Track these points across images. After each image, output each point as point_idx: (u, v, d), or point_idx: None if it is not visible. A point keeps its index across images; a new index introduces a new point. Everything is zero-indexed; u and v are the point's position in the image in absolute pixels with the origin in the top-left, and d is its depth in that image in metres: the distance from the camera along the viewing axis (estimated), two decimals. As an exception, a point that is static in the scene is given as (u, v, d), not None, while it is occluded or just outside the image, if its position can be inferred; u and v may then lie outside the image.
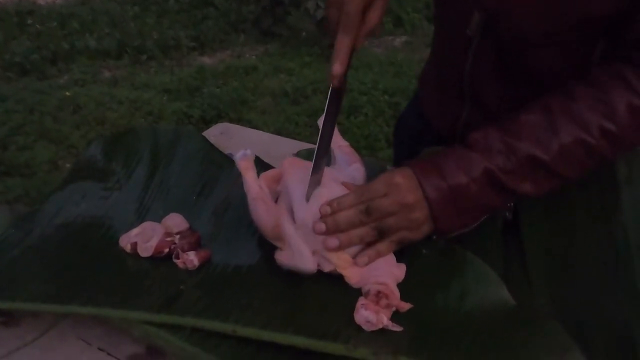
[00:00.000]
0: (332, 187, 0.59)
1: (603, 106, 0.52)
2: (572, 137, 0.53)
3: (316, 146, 0.60)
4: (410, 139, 0.93)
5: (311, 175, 0.59)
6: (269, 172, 0.64)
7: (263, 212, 0.59)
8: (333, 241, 0.54)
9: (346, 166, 0.63)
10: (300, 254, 0.55)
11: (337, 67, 0.56)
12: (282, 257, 0.57)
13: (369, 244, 0.57)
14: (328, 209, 0.55)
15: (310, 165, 0.60)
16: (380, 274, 0.55)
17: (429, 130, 0.85)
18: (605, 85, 0.53)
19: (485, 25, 0.64)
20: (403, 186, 0.55)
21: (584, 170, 0.55)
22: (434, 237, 0.59)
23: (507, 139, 0.54)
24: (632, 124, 0.52)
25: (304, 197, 0.59)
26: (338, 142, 0.65)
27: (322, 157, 0.60)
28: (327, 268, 0.57)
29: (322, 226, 0.55)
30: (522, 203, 0.64)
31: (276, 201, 0.63)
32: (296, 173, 0.61)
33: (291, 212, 0.59)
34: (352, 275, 0.56)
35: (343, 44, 0.56)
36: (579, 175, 0.56)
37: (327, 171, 0.62)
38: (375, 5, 0.57)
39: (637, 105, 0.52)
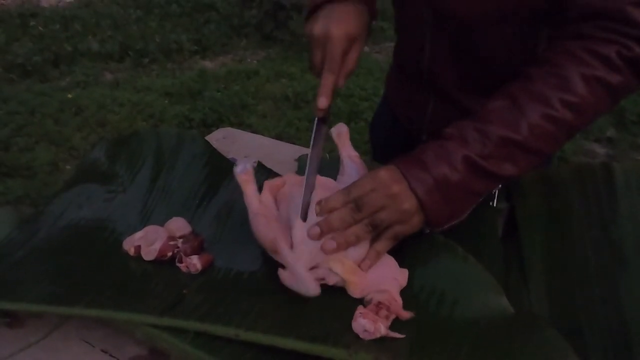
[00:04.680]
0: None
1: (558, 80, 0.56)
2: (538, 113, 0.55)
3: (305, 174, 0.61)
4: (384, 138, 1.00)
5: (302, 201, 0.59)
6: (274, 181, 0.64)
7: (263, 227, 0.58)
8: (330, 243, 0.55)
9: (355, 176, 0.64)
10: (302, 280, 0.55)
11: (323, 101, 0.62)
12: (286, 279, 0.56)
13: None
14: (318, 209, 0.56)
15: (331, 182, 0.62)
16: (383, 282, 0.56)
17: (399, 127, 0.91)
18: (555, 62, 0.57)
19: (435, 19, 0.70)
20: (388, 179, 0.56)
21: (557, 143, 0.58)
22: (427, 230, 0.59)
23: (479, 126, 0.56)
24: (589, 92, 0.55)
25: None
26: (349, 152, 0.65)
27: (311, 183, 0.61)
28: (331, 281, 0.57)
29: (316, 229, 0.55)
30: (521, 211, 0.65)
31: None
32: (294, 192, 0.61)
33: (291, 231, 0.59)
34: (359, 282, 0.56)
35: (328, 80, 0.62)
36: (554, 150, 0.59)
37: (323, 180, 0.63)
38: (352, 50, 0.64)
39: (588, 74, 0.55)
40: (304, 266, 0.55)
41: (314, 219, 0.57)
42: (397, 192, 0.56)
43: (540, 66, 0.58)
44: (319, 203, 0.57)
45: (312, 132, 0.64)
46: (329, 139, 0.67)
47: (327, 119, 0.65)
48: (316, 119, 0.64)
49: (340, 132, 0.65)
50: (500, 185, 0.65)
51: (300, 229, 0.57)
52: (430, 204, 0.56)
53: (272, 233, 0.57)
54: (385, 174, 0.57)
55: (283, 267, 0.57)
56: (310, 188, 0.60)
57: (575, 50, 0.56)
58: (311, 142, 0.64)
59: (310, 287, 0.55)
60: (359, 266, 0.57)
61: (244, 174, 0.60)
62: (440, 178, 0.55)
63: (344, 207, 0.56)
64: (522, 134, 0.55)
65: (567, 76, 0.55)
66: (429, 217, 0.57)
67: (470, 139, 0.56)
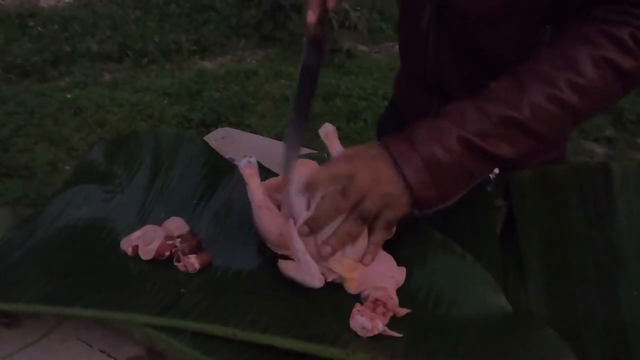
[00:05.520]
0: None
1: (567, 62, 0.53)
2: (542, 94, 0.53)
3: (295, 103, 0.60)
4: None
5: (286, 137, 0.58)
6: (270, 181, 0.64)
7: (268, 220, 0.58)
8: (325, 249, 0.54)
9: None
10: (309, 270, 0.55)
11: (310, 15, 0.60)
12: (288, 269, 0.57)
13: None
14: (305, 191, 0.56)
15: (315, 164, 0.60)
16: (380, 279, 0.56)
17: (405, 128, 0.89)
18: (565, 44, 0.55)
19: (438, 16, 0.69)
20: (371, 156, 0.55)
21: (561, 127, 0.56)
22: (417, 213, 0.57)
23: (480, 104, 0.54)
24: (598, 74, 0.53)
25: (304, 208, 0.58)
26: (338, 150, 0.65)
27: (301, 119, 0.60)
28: (329, 277, 0.57)
29: (305, 229, 0.55)
30: (519, 209, 0.65)
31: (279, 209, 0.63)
32: (298, 183, 0.61)
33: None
34: (359, 278, 0.56)
35: None
36: (556, 133, 0.56)
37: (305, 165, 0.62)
38: None
39: (598, 55, 0.53)
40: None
41: (303, 215, 0.56)
42: (381, 171, 0.54)
43: (548, 47, 0.56)
44: (304, 184, 0.56)
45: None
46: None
47: (320, 41, 0.62)
48: (305, 38, 0.61)
49: (328, 132, 0.65)
50: (496, 170, 0.62)
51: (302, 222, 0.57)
52: (417, 183, 0.54)
53: (276, 224, 0.57)
54: (369, 151, 0.55)
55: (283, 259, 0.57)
56: (300, 123, 0.60)
57: (587, 32, 0.54)
58: (299, 68, 0.61)
59: (315, 276, 0.54)
60: (361, 261, 0.56)
61: (248, 167, 0.60)
62: (429, 157, 0.53)
63: (328, 199, 0.54)
64: (523, 114, 0.53)
65: (576, 57, 0.53)
66: (417, 197, 0.54)
67: (468, 117, 0.54)
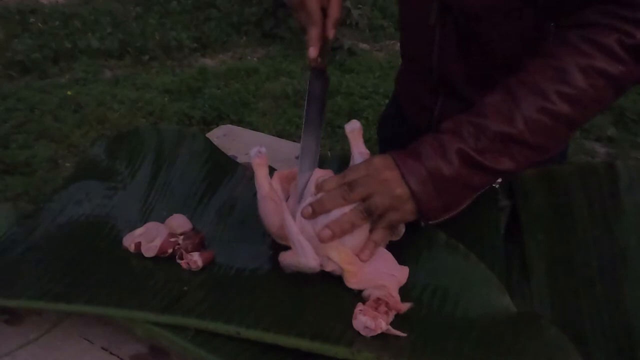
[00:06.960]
0: None
1: (555, 72, 0.54)
2: (534, 106, 0.54)
3: (302, 132, 0.63)
4: (392, 136, 0.99)
5: (300, 160, 0.61)
6: (285, 171, 0.65)
7: (271, 210, 0.59)
8: (325, 232, 0.55)
9: None
10: (303, 251, 0.55)
11: (312, 51, 0.64)
12: (286, 257, 0.57)
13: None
14: (315, 191, 0.57)
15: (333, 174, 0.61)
16: (381, 277, 0.56)
17: (408, 125, 0.91)
18: (553, 53, 0.56)
19: (443, 11, 0.70)
20: (381, 166, 0.57)
21: (557, 137, 0.57)
22: (422, 223, 0.59)
23: (475, 120, 0.56)
24: (588, 83, 0.53)
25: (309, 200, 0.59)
26: (360, 149, 0.65)
27: (311, 143, 0.63)
28: (328, 268, 0.57)
29: (308, 209, 0.56)
30: (523, 209, 0.65)
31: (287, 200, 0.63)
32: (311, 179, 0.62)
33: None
34: (356, 271, 0.56)
35: (313, 32, 0.64)
36: (554, 144, 0.57)
37: (322, 173, 0.63)
38: (332, 1, 0.65)
39: (586, 65, 0.53)
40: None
41: (310, 200, 0.57)
42: (389, 177, 0.56)
43: (538, 57, 0.57)
44: (315, 185, 0.58)
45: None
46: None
47: (324, 72, 0.66)
48: (311, 70, 0.65)
49: (353, 129, 0.66)
50: (499, 180, 0.64)
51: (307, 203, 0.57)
52: (422, 194, 0.55)
53: (279, 215, 0.58)
54: (379, 161, 0.57)
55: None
56: (311, 151, 0.62)
57: (574, 40, 0.55)
58: (306, 97, 0.64)
59: (310, 256, 0.55)
60: (359, 257, 0.57)
61: (257, 157, 0.61)
62: (434, 170, 0.55)
63: (336, 188, 0.56)
64: (517, 128, 0.54)
65: (565, 68, 0.54)
66: (421, 208, 0.56)
67: (465, 134, 0.55)
